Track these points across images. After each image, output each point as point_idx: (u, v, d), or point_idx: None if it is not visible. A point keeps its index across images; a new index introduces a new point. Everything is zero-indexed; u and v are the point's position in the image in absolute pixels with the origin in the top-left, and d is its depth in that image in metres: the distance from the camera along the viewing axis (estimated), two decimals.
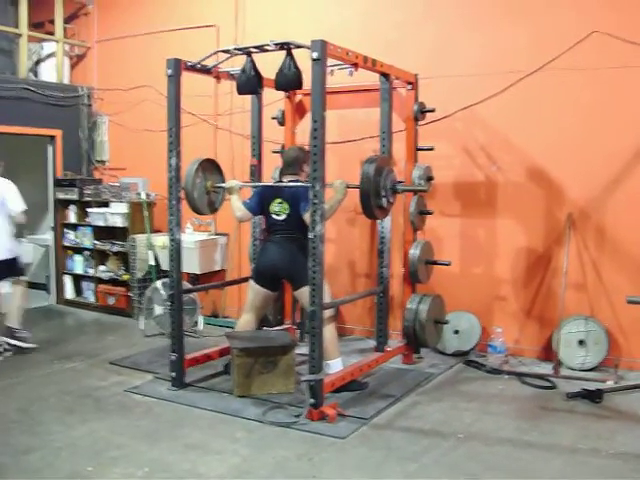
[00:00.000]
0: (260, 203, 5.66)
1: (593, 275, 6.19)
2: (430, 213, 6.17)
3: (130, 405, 5.20)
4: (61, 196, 8.84)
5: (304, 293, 5.17)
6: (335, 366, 5.39)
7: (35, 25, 9.33)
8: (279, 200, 5.51)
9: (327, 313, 5.23)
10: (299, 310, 6.65)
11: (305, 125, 6.10)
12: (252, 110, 6.50)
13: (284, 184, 5.52)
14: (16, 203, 6.46)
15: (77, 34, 9.50)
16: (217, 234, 8.13)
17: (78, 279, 9.03)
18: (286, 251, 5.48)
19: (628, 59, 5.86)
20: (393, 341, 6.35)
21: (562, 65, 6.12)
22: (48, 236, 9.21)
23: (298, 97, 6.64)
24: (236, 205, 5.69)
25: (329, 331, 5.33)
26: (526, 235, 6.45)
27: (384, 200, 5.18)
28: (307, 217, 5.07)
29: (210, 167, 5.84)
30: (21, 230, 7.96)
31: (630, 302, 4.72)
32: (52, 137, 8.95)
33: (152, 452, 4.33)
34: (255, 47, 5.29)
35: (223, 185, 5.84)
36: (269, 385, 5.38)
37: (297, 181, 5.48)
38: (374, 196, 5.07)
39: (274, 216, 5.54)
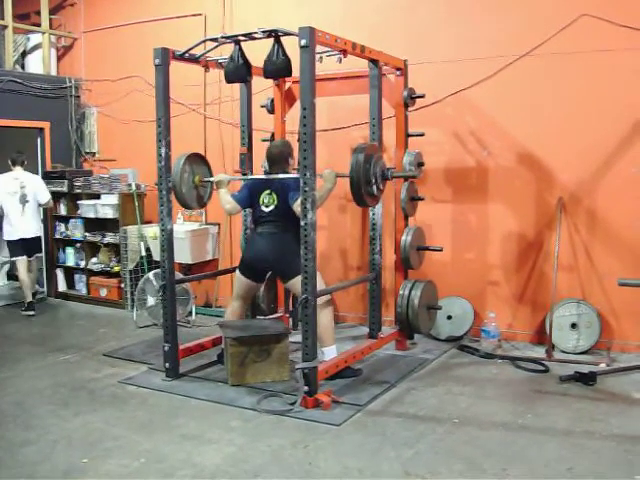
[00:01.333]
0: (249, 195, 5.64)
1: (584, 258, 6.20)
2: (421, 199, 6.17)
3: (124, 396, 5.20)
4: (51, 188, 8.77)
5: (296, 284, 5.17)
6: (329, 353, 5.39)
7: (20, 17, 9.28)
8: (268, 191, 5.51)
9: (323, 299, 5.25)
10: (292, 298, 6.65)
11: (294, 113, 6.09)
12: (241, 99, 6.47)
13: (273, 176, 5.51)
14: (44, 194, 8.20)
15: (63, 25, 9.44)
16: (208, 224, 8.12)
17: (70, 271, 9.02)
18: (274, 244, 5.46)
19: (617, 42, 5.86)
20: (386, 328, 6.36)
21: (551, 49, 6.12)
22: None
23: (287, 85, 6.61)
24: (225, 198, 5.65)
25: (326, 317, 5.34)
26: (517, 220, 6.46)
27: (374, 187, 5.17)
28: (296, 206, 5.08)
29: (197, 161, 5.80)
30: None
31: (621, 284, 4.74)
32: (40, 129, 8.91)
33: (147, 443, 4.33)
34: (243, 35, 5.26)
35: (211, 179, 5.82)
36: (263, 374, 5.38)
37: (286, 174, 5.49)
38: (364, 184, 5.05)
39: (263, 207, 5.52)
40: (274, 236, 5.47)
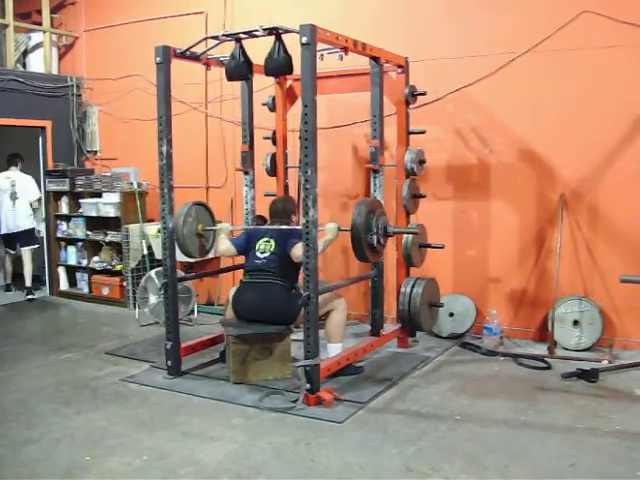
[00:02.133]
0: (246, 241, 5.68)
1: (586, 255, 6.20)
2: (423, 196, 6.17)
3: (127, 394, 5.21)
4: (53, 187, 8.80)
5: (299, 320, 5.25)
6: (334, 350, 5.42)
7: (22, 16, 9.28)
8: (266, 238, 5.55)
9: (338, 297, 5.42)
10: None
11: (296, 111, 6.08)
12: (242, 97, 6.47)
13: (276, 227, 5.56)
14: (33, 192, 8.81)
15: (65, 24, 9.44)
16: None
17: (72, 270, 9.02)
18: (264, 295, 5.41)
19: (618, 38, 5.85)
20: (388, 325, 6.36)
21: (552, 46, 6.11)
22: (41, 228, 9.19)
23: (288, 83, 6.61)
24: (221, 241, 5.72)
25: (340, 315, 5.46)
26: (519, 216, 6.45)
27: (376, 244, 5.17)
28: (295, 250, 5.20)
29: (201, 210, 5.83)
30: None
31: (623, 281, 4.73)
32: (42, 128, 8.91)
33: (150, 440, 4.34)
34: (244, 33, 5.26)
35: (214, 228, 5.84)
36: (265, 371, 5.38)
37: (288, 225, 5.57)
38: (366, 241, 5.06)
39: (258, 253, 5.52)
40: (266, 285, 5.42)
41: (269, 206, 5.79)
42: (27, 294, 8.77)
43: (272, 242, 5.50)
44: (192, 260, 7.75)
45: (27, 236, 8.88)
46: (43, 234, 9.12)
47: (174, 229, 5.52)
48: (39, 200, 8.93)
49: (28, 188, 8.77)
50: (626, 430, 4.38)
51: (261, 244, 5.55)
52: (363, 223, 5.01)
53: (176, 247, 5.59)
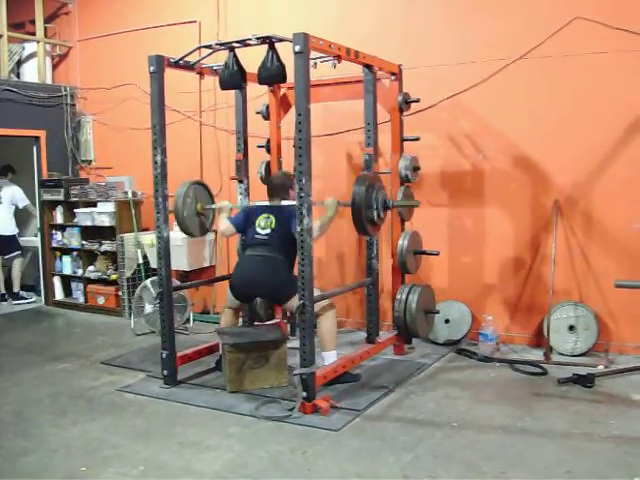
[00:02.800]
0: (245, 218, 5.67)
1: (581, 260, 6.21)
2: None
3: (123, 404, 5.19)
4: (47, 197, 8.79)
5: (292, 304, 5.20)
6: (329, 358, 5.40)
7: (15, 26, 9.28)
8: (266, 215, 5.53)
9: (325, 302, 5.28)
10: None
11: (290, 119, 6.08)
12: (236, 105, 6.47)
13: (275, 204, 5.56)
14: (20, 201, 9.15)
15: (58, 34, 9.45)
16: None
17: (67, 280, 9.01)
18: (265, 267, 5.42)
19: (611, 44, 5.87)
20: (384, 332, 6.36)
21: (545, 52, 6.13)
22: (36, 238, 9.20)
23: (282, 91, 6.62)
24: (222, 221, 5.73)
25: (329, 321, 5.37)
26: (514, 223, 6.47)
27: (376, 217, 5.19)
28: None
29: (199, 189, 5.86)
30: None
31: (618, 286, 4.74)
32: (36, 138, 8.90)
33: (146, 451, 4.33)
34: (237, 42, 5.27)
35: (213, 206, 5.85)
36: (261, 380, 5.38)
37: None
38: (366, 214, 5.08)
39: (259, 229, 5.51)
40: (266, 259, 5.42)
41: (267, 182, 5.79)
42: (14, 299, 9.07)
43: (272, 218, 5.48)
44: (187, 269, 7.79)
45: (11, 242, 9.13)
46: (38, 244, 9.11)
47: (174, 209, 5.56)
48: (27, 208, 9.19)
49: (15, 195, 9.09)
50: (623, 435, 4.38)
51: (261, 220, 5.53)
52: (363, 197, 5.03)
53: (171, 257, 5.59)
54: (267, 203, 5.70)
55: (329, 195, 5.44)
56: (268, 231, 5.47)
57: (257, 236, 5.51)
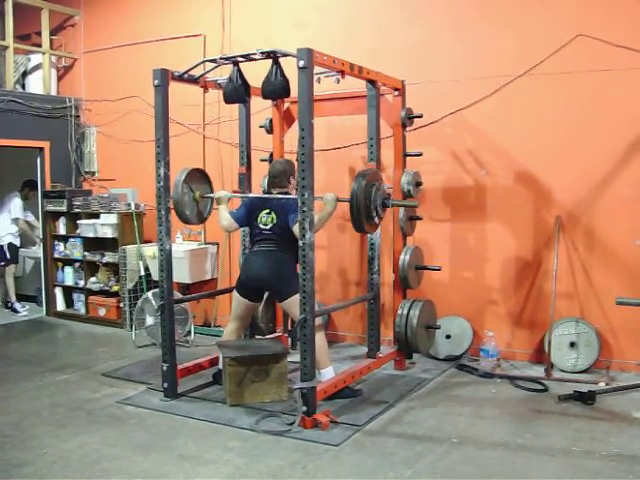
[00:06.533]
0: (247, 214, 5.65)
1: (583, 277, 6.21)
2: (419, 219, 6.20)
3: (123, 417, 5.18)
4: (50, 208, 8.81)
5: (291, 304, 5.20)
6: (327, 375, 5.37)
7: (21, 37, 9.33)
8: (267, 210, 5.52)
9: (317, 320, 5.24)
10: (290, 318, 6.64)
11: (293, 133, 6.11)
12: (240, 119, 6.49)
13: (273, 196, 5.54)
14: (14, 211, 9.14)
15: (64, 45, 9.50)
16: (207, 243, 8.13)
17: (69, 291, 9.01)
18: (271, 263, 5.45)
19: (613, 62, 5.90)
20: (385, 347, 6.35)
21: (548, 69, 6.16)
22: (38, 248, 9.22)
23: (286, 105, 6.64)
24: (223, 215, 5.68)
25: (319, 340, 5.31)
26: (516, 239, 6.47)
27: (374, 214, 5.18)
28: (296, 229, 5.08)
29: (198, 177, 5.82)
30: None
31: (619, 303, 4.75)
32: (40, 149, 8.92)
33: (146, 463, 4.32)
34: (242, 56, 5.30)
35: (211, 195, 5.84)
36: (261, 394, 5.37)
37: (286, 194, 5.50)
38: (364, 211, 5.07)
39: (261, 225, 5.53)
40: (271, 254, 5.47)
41: (269, 167, 5.78)
42: (7, 307, 9.25)
43: (273, 214, 5.47)
44: (189, 281, 7.79)
45: (6, 251, 9.14)
46: (40, 254, 9.13)
47: (173, 200, 5.53)
48: (16, 220, 9.15)
49: (12, 206, 9.13)
50: (623, 453, 4.37)
51: (262, 216, 5.53)
52: (362, 195, 5.02)
53: (173, 269, 5.59)
54: (266, 195, 5.72)
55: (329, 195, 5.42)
56: (270, 226, 5.48)
57: (260, 232, 5.54)
